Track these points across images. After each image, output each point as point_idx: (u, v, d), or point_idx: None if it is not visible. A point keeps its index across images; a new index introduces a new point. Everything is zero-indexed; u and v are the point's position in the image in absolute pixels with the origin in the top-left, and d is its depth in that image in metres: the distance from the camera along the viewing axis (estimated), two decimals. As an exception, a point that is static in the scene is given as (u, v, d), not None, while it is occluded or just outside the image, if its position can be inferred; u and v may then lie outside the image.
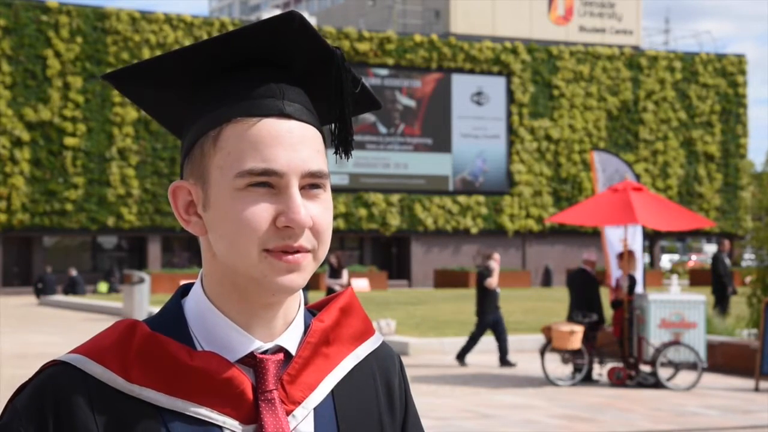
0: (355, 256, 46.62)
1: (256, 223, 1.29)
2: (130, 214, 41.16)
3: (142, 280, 24.72)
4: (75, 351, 1.34)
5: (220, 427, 1.32)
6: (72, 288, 36.60)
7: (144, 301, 24.36)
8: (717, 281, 20.97)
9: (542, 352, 13.68)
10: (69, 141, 40.17)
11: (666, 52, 52.14)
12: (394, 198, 45.90)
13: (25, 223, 39.60)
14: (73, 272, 37.55)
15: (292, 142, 1.31)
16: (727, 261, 21.40)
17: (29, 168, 39.70)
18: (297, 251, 1.31)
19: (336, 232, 45.18)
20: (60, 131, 40.19)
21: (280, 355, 1.36)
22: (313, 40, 1.35)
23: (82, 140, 40.50)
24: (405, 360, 16.02)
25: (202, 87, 1.37)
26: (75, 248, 43.10)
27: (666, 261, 66.66)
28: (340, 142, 1.40)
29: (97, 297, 34.72)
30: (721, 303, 20.55)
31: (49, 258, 41.33)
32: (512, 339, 18.35)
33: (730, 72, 52.90)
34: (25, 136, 39.59)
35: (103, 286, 38.38)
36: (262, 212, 1.29)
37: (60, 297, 33.92)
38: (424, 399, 12.10)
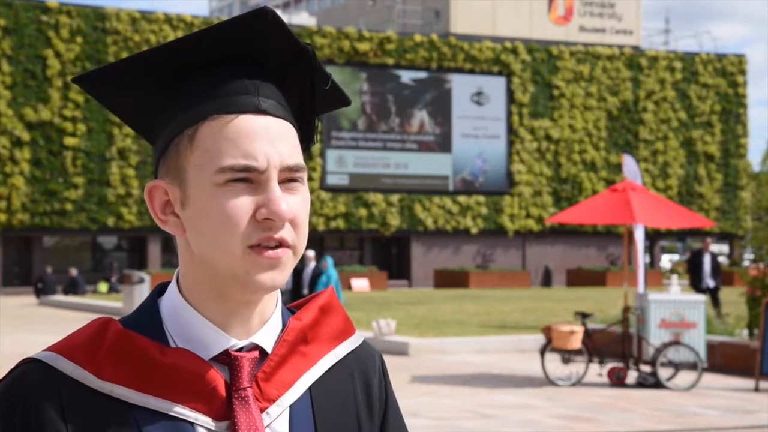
0: (355, 256, 46.63)
1: (237, 217, 1.29)
2: (130, 214, 41.17)
3: (142, 280, 24.74)
4: (49, 349, 1.34)
5: (192, 424, 1.31)
6: (72, 288, 36.59)
7: (144, 301, 24.35)
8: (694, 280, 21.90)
9: (542, 352, 13.67)
10: (69, 141, 40.18)
11: (666, 52, 52.14)
12: (394, 198, 45.89)
13: (25, 223, 39.60)
14: (74, 272, 37.55)
15: (270, 138, 1.31)
16: (707, 259, 21.79)
17: (29, 168, 39.70)
18: (278, 244, 1.30)
19: (336, 232, 45.20)
20: (60, 131, 40.20)
21: (255, 353, 1.35)
22: (286, 36, 1.35)
23: (82, 140, 40.51)
24: (405, 360, 16.02)
25: (175, 86, 1.36)
26: (75, 248, 43.11)
27: (666, 261, 66.64)
28: (306, 137, 1.40)
29: (97, 297, 34.72)
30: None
31: (49, 258, 41.32)
32: (512, 339, 18.37)
33: (730, 72, 52.89)
34: (25, 136, 39.60)
35: (103, 286, 38.37)
36: (242, 206, 1.29)
37: (60, 297, 33.91)
38: (424, 399, 12.10)
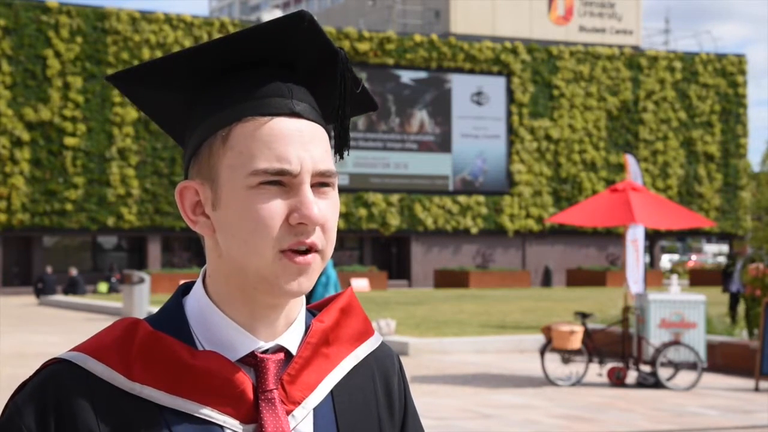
0: (355, 256, 46.63)
1: (270, 220, 1.29)
2: (130, 214, 41.17)
3: (142, 280, 24.71)
4: (76, 349, 1.34)
5: (221, 427, 1.32)
6: (72, 288, 36.59)
7: (144, 301, 24.37)
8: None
9: (542, 352, 13.68)
10: (69, 141, 40.18)
11: (666, 52, 52.15)
12: (394, 198, 45.90)
13: (25, 223, 39.60)
14: (74, 272, 37.55)
15: (303, 141, 1.31)
16: (739, 264, 21.67)
17: (29, 168, 39.70)
18: (309, 249, 1.31)
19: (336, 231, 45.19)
20: (60, 131, 40.21)
21: (281, 355, 1.36)
22: (320, 40, 1.36)
23: (82, 140, 40.51)
24: (405, 360, 16.02)
25: (209, 87, 1.36)
26: (75, 248, 43.10)
27: (666, 261, 66.67)
28: (340, 143, 1.40)
29: (97, 297, 34.72)
30: (733, 308, 21.03)
31: (49, 258, 41.33)
32: (512, 339, 18.38)
33: (730, 72, 52.91)
34: (25, 136, 39.60)
35: (103, 286, 38.37)
36: (275, 209, 1.29)
37: (60, 297, 33.91)
38: (424, 399, 12.10)
